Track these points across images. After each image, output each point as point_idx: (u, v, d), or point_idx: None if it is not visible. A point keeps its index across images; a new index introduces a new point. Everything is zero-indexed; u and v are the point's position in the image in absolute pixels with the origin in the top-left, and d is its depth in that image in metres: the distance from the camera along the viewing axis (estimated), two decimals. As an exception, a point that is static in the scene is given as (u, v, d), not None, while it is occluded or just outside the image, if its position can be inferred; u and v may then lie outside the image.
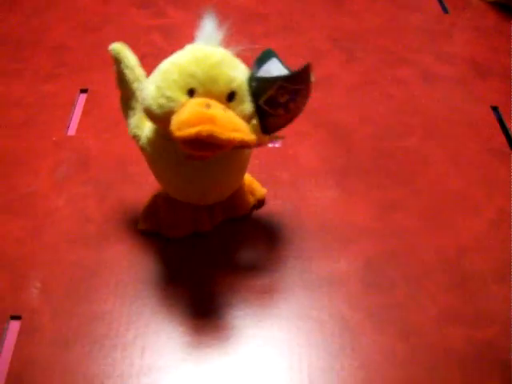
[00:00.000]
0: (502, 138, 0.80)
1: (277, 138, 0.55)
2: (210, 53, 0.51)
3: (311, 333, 0.58)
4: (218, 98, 0.50)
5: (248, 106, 0.52)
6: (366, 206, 0.70)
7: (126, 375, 0.55)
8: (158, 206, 0.65)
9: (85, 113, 0.82)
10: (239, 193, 0.65)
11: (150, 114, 0.52)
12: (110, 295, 0.61)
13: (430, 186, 0.73)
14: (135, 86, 0.56)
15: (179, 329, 0.58)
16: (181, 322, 0.59)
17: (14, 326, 0.58)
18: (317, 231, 0.67)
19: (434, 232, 0.68)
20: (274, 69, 0.51)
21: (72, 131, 0.79)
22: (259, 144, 0.52)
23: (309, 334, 0.58)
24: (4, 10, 1.01)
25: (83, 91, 0.85)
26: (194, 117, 0.46)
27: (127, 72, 0.56)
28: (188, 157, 0.50)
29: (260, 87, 0.51)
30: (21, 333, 0.57)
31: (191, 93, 0.50)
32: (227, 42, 0.53)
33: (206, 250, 0.65)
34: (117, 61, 0.55)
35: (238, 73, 0.51)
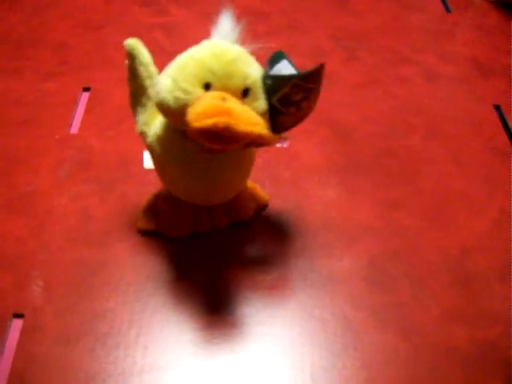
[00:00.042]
0: (505, 137, 0.80)
1: (285, 139, 0.55)
2: (227, 49, 0.51)
3: (314, 332, 0.58)
4: (233, 94, 0.50)
5: (262, 103, 0.52)
6: (368, 205, 0.70)
7: (127, 373, 0.55)
8: (158, 206, 0.65)
9: (87, 111, 0.82)
10: (242, 196, 0.64)
11: (164, 107, 0.52)
12: (112, 293, 0.61)
13: (432, 185, 0.73)
14: (148, 83, 0.56)
15: (181, 327, 0.58)
16: (183, 320, 0.59)
17: (17, 324, 0.58)
18: (319, 230, 0.67)
19: (436, 231, 0.68)
20: (285, 69, 0.52)
21: (74, 129, 0.79)
22: (268, 143, 0.52)
23: (311, 332, 0.58)
24: (5, 8, 1.01)
25: (86, 89, 0.85)
26: (210, 108, 0.46)
27: (142, 69, 0.56)
28: (202, 150, 0.50)
29: (275, 85, 0.51)
30: (23, 331, 0.57)
31: (207, 87, 0.50)
32: (242, 40, 0.53)
33: (208, 250, 0.65)
34: (131, 57, 0.55)
35: (252, 70, 0.52)
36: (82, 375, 0.54)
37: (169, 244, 0.65)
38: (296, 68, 0.53)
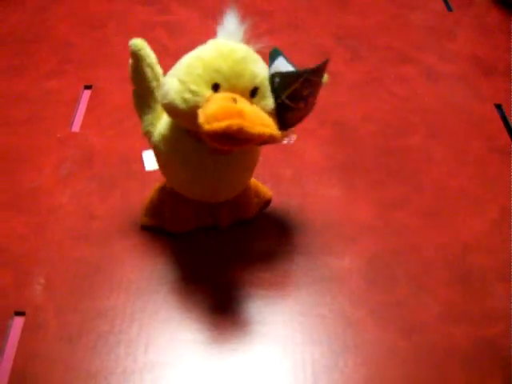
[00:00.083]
0: (506, 136, 0.80)
1: (292, 136, 0.55)
2: (234, 48, 0.51)
3: (314, 330, 0.58)
4: (241, 94, 0.50)
5: (270, 102, 0.52)
6: (369, 204, 0.70)
7: (129, 371, 0.55)
8: (164, 199, 0.65)
9: (89, 109, 0.82)
10: (245, 193, 0.64)
11: (172, 109, 0.51)
12: (114, 292, 0.61)
13: (432, 184, 0.73)
14: (154, 84, 0.56)
15: (183, 325, 0.58)
16: (184, 318, 0.59)
17: (18, 322, 0.58)
18: (320, 228, 0.67)
19: (436, 230, 0.68)
20: (283, 66, 0.52)
21: (76, 128, 0.79)
22: (276, 141, 0.52)
23: (312, 331, 0.58)
24: (8, 6, 1.01)
25: (87, 88, 0.85)
26: (222, 111, 0.46)
27: (148, 70, 0.55)
28: (213, 150, 0.50)
29: (285, 82, 0.51)
30: (25, 329, 0.58)
31: (216, 87, 0.50)
32: (248, 39, 0.53)
33: (210, 248, 0.65)
34: (138, 57, 0.54)
35: (260, 69, 0.52)
36: (83, 373, 0.55)
37: (171, 242, 0.65)
38: (293, 64, 0.53)
